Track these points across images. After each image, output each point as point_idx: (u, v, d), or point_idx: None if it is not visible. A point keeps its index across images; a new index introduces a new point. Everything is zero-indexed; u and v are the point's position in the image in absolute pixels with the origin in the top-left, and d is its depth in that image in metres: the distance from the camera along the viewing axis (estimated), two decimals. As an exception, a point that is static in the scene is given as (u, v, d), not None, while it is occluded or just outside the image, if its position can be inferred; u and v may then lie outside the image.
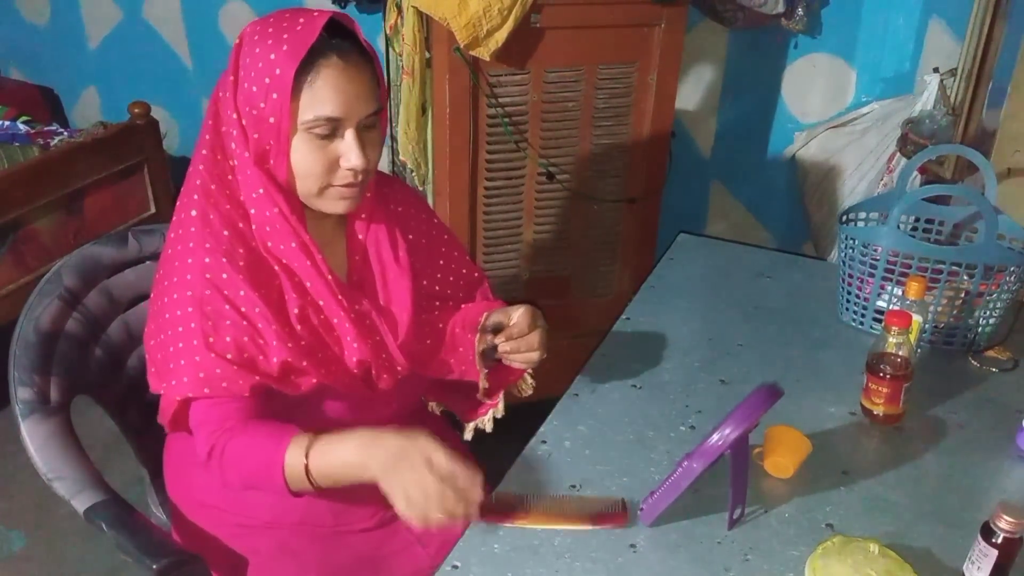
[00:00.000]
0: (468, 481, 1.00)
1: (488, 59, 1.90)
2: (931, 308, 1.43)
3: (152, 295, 1.16)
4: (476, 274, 1.39)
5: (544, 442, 1.26)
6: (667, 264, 1.75)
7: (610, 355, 1.46)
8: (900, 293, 1.39)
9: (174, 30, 3.20)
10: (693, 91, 2.65)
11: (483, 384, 1.27)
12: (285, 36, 1.06)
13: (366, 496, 1.10)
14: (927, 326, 1.43)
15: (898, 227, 1.45)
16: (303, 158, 1.09)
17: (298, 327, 1.13)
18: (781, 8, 2.30)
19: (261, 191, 1.11)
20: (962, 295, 1.45)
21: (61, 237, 2.50)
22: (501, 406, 1.32)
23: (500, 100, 2.01)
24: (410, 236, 1.28)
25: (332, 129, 1.08)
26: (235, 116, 1.10)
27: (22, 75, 3.61)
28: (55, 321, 1.28)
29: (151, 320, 1.16)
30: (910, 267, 1.43)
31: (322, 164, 1.10)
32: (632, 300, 1.63)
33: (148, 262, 1.42)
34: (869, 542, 1.01)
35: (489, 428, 1.33)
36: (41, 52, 3.52)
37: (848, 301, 1.54)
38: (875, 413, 1.29)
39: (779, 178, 2.69)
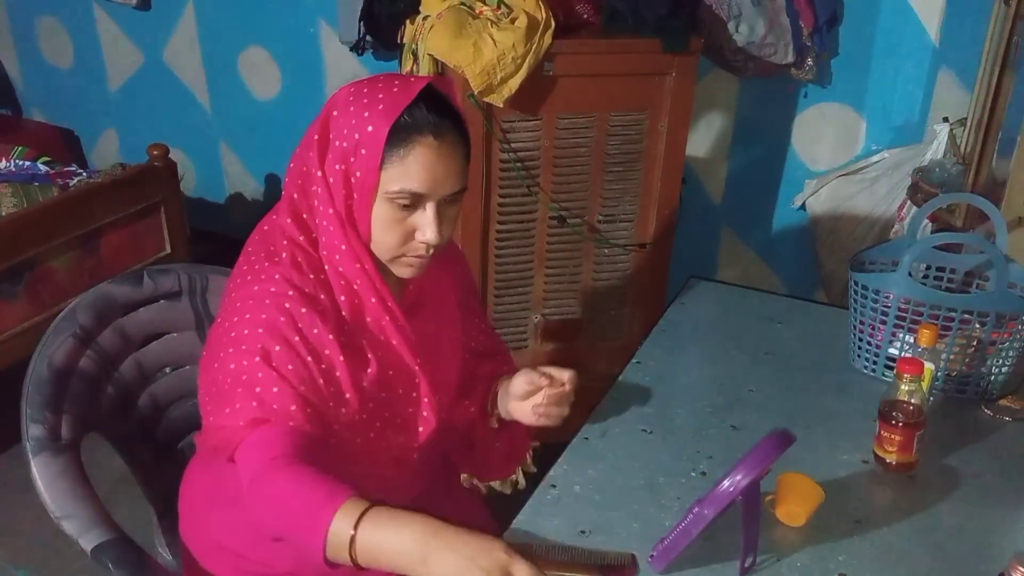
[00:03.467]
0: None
1: (502, 105, 1.93)
2: (943, 356, 1.42)
3: (221, 324, 1.12)
4: (497, 344, 1.41)
5: (554, 486, 1.25)
6: (678, 309, 1.75)
7: (621, 399, 1.46)
8: (912, 340, 1.39)
9: (194, 74, 3.26)
10: (704, 138, 2.67)
11: (493, 417, 1.29)
12: (380, 96, 1.07)
13: None
14: (940, 374, 1.42)
15: (909, 274, 1.46)
16: (381, 225, 1.10)
17: (364, 384, 1.12)
18: (791, 58, 2.32)
19: (344, 247, 1.11)
20: (974, 343, 1.44)
21: (77, 276, 2.53)
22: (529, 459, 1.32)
23: (513, 145, 2.04)
24: (457, 293, 1.30)
25: (414, 202, 1.08)
26: (320, 174, 1.11)
27: (43, 117, 3.67)
28: (69, 359, 1.29)
29: (216, 347, 1.11)
30: (921, 315, 1.43)
31: (399, 235, 1.10)
32: (643, 344, 1.63)
33: (162, 301, 1.44)
34: (883, 593, 1.00)
35: (522, 483, 1.30)
36: (63, 94, 3.59)
37: (860, 348, 1.54)
38: (888, 461, 1.28)
39: (790, 225, 2.70)
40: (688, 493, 1.22)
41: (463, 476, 1.46)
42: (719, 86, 2.58)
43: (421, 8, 2.02)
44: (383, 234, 1.10)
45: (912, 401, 1.25)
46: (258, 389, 1.04)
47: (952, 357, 1.45)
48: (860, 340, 1.53)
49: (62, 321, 1.31)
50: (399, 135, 1.05)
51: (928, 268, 1.62)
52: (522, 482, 1.27)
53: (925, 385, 1.30)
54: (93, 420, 1.32)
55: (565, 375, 1.21)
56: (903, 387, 1.25)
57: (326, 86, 3.02)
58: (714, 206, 2.79)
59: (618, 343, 2.29)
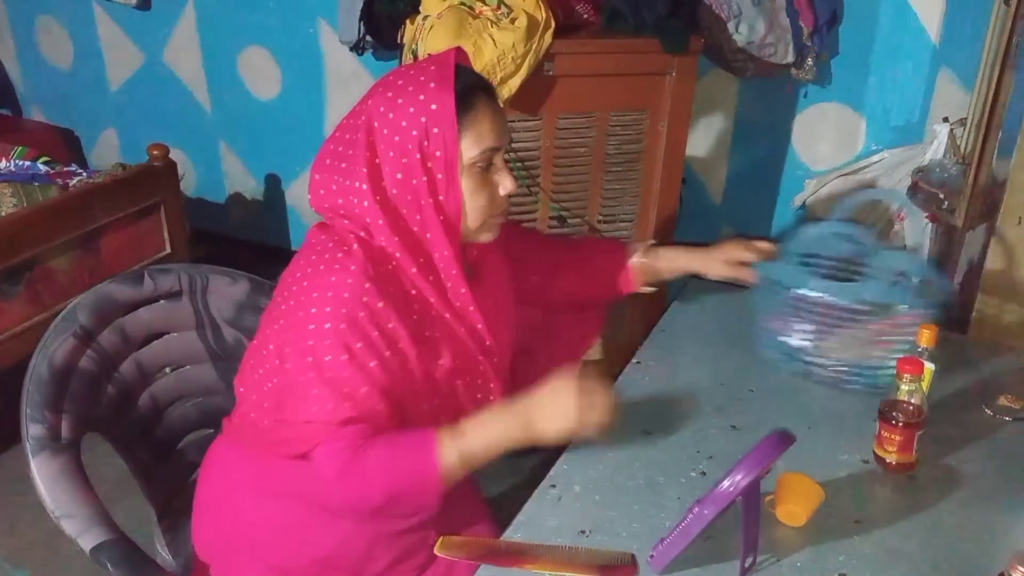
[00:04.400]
0: (600, 394, 1.12)
1: (502, 106, 1.93)
2: (832, 346, 1.44)
3: (294, 311, 1.12)
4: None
5: (554, 486, 1.25)
6: (678, 309, 1.75)
7: (621, 399, 1.45)
8: (807, 328, 1.44)
9: (194, 74, 3.26)
10: (704, 138, 2.67)
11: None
12: (422, 79, 1.11)
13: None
14: (845, 367, 1.44)
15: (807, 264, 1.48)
16: (470, 194, 1.13)
17: (437, 375, 1.15)
18: (791, 58, 2.32)
19: (428, 235, 1.13)
20: (862, 335, 1.43)
21: (77, 276, 2.53)
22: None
23: (513, 145, 2.04)
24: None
25: (491, 159, 1.15)
26: (375, 194, 1.11)
27: (43, 116, 3.68)
28: (69, 358, 1.29)
29: (291, 337, 1.11)
30: (807, 303, 1.43)
31: (487, 196, 1.15)
32: (642, 344, 1.63)
33: (162, 301, 1.44)
34: (883, 593, 1.00)
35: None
36: (62, 94, 3.59)
37: (760, 334, 1.55)
38: (888, 461, 1.28)
39: (789, 224, 2.70)
40: (688, 493, 1.22)
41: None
42: (719, 86, 2.58)
43: (421, 8, 2.02)
44: (476, 200, 1.14)
45: (912, 401, 1.25)
46: (346, 389, 1.07)
47: (838, 346, 1.44)
48: (762, 327, 1.54)
49: (62, 321, 1.31)
50: (462, 102, 1.10)
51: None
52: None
53: (925, 385, 1.30)
54: (93, 420, 1.32)
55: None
56: (903, 387, 1.25)
57: (326, 86, 3.03)
58: (714, 206, 2.80)
59: (618, 343, 2.29)
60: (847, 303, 1.41)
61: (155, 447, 1.47)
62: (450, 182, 1.11)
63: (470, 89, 1.12)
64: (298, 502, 1.19)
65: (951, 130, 2.24)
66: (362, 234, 1.13)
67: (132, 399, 1.41)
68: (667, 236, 2.24)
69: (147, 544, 1.30)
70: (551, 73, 1.98)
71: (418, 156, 1.09)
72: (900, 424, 1.25)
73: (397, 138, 1.10)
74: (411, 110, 1.09)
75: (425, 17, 1.98)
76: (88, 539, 1.16)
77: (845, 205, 1.59)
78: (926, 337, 1.33)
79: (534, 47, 1.90)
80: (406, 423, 1.13)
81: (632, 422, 1.40)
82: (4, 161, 2.73)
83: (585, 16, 2.12)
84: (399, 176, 1.11)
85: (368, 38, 2.50)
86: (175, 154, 2.80)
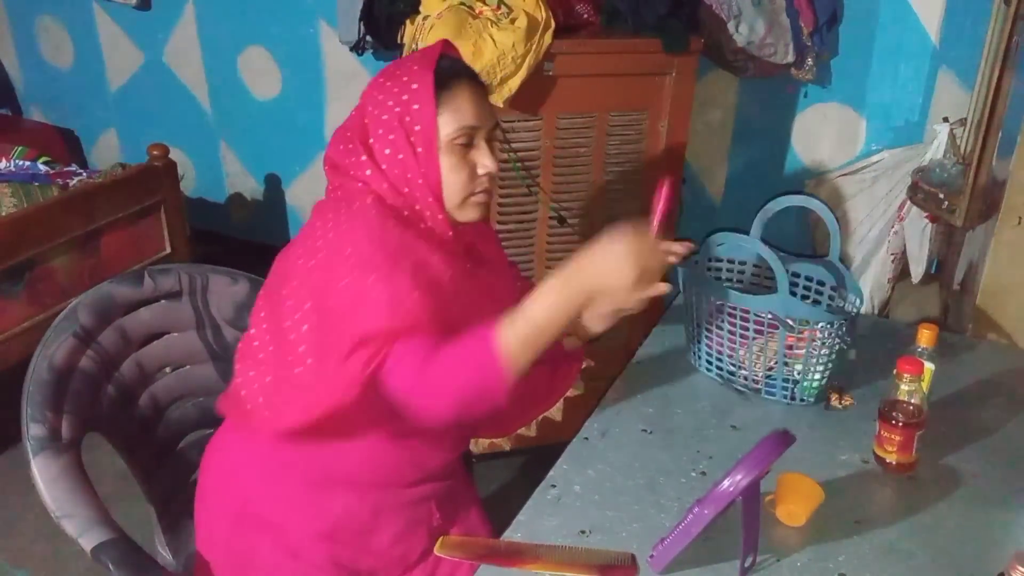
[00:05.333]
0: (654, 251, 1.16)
1: (502, 105, 1.93)
2: (747, 356, 1.45)
3: (327, 244, 1.15)
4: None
5: (554, 486, 1.25)
6: (678, 309, 1.75)
7: (620, 399, 1.46)
8: (724, 332, 1.44)
9: (194, 74, 3.26)
10: (704, 138, 2.67)
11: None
12: (407, 64, 1.18)
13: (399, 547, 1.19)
14: (760, 374, 1.45)
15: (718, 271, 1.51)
16: (448, 170, 1.17)
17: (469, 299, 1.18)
18: (791, 58, 2.32)
19: (418, 207, 1.18)
20: (775, 347, 1.43)
21: (77, 276, 2.53)
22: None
23: (513, 145, 2.04)
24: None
25: (469, 139, 1.18)
26: (370, 170, 1.17)
27: (43, 117, 3.67)
28: (69, 358, 1.29)
29: (333, 263, 1.12)
30: (725, 313, 1.44)
31: (465, 174, 1.18)
32: (642, 344, 1.63)
33: (162, 301, 1.44)
34: (883, 593, 1.00)
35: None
36: (63, 94, 3.59)
37: (691, 343, 1.56)
38: (888, 461, 1.28)
39: (789, 225, 2.70)
40: (688, 493, 1.22)
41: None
42: (719, 86, 2.58)
43: (421, 8, 2.02)
44: (453, 176, 1.17)
45: (912, 401, 1.25)
46: (397, 299, 1.08)
47: (755, 357, 1.45)
48: (690, 334, 1.55)
49: (62, 321, 1.31)
50: (441, 82, 1.15)
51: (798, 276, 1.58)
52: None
53: (925, 385, 1.30)
54: (93, 420, 1.32)
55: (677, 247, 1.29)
56: (903, 387, 1.25)
57: (326, 86, 3.02)
58: (714, 206, 2.79)
59: (618, 343, 2.29)
60: (760, 313, 1.41)
61: (155, 447, 1.47)
62: (429, 156, 1.16)
63: (452, 72, 1.18)
64: (304, 473, 1.23)
65: (951, 130, 2.24)
66: (370, 199, 1.17)
67: (132, 399, 1.41)
68: (667, 236, 2.23)
69: (147, 544, 1.30)
70: (551, 73, 1.98)
71: (402, 132, 1.15)
72: (900, 424, 1.25)
73: (384, 116, 1.16)
74: (395, 90, 1.16)
75: (425, 17, 1.98)
76: (89, 539, 1.16)
77: (765, 210, 1.61)
78: (926, 337, 1.33)
79: (534, 47, 1.90)
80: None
81: (632, 422, 1.40)
82: (4, 161, 2.73)
83: (585, 16, 2.12)
84: (387, 152, 1.17)
85: (368, 38, 2.49)
86: (175, 154, 2.80)
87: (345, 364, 1.08)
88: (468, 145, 1.19)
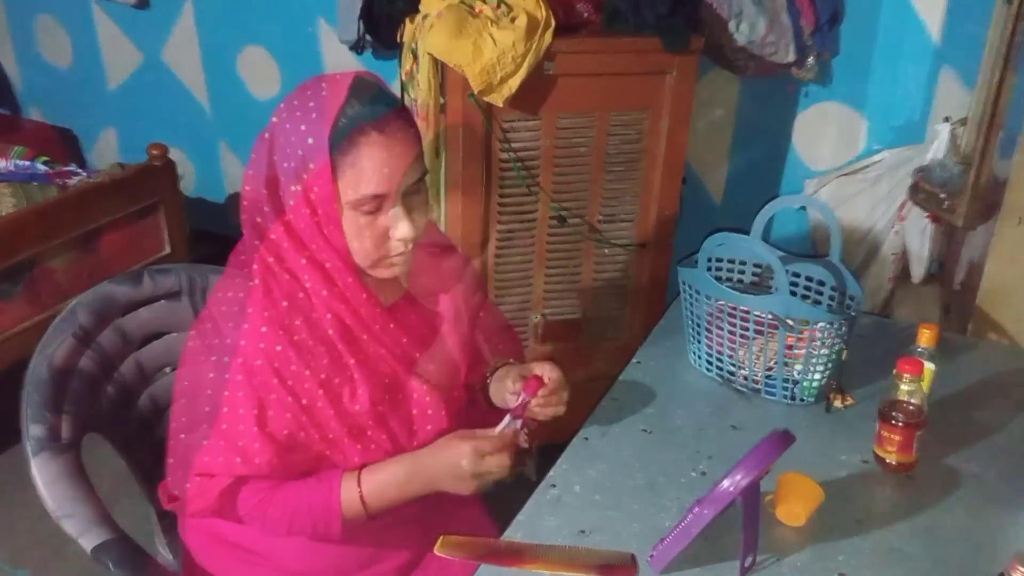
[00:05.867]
0: (498, 452, 1.13)
1: (502, 105, 1.93)
2: (747, 356, 1.45)
3: (192, 367, 1.16)
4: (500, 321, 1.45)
5: (554, 486, 1.25)
6: (678, 308, 1.75)
7: (621, 399, 1.46)
8: (725, 333, 1.44)
9: (193, 73, 3.26)
10: (704, 138, 2.67)
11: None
12: (311, 104, 1.04)
13: (393, 541, 1.19)
14: (760, 374, 1.44)
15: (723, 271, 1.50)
16: (353, 235, 1.07)
17: (356, 407, 1.13)
18: (792, 57, 2.32)
19: (328, 265, 1.10)
20: (775, 347, 1.42)
21: (76, 276, 2.52)
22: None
23: (513, 145, 2.04)
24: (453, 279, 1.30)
25: (378, 205, 1.05)
26: (266, 193, 1.08)
27: (42, 116, 3.67)
28: (69, 358, 1.29)
29: (195, 395, 1.14)
30: (726, 313, 1.43)
31: (373, 239, 1.07)
32: (643, 344, 1.63)
33: (162, 301, 1.44)
34: (883, 593, 1.00)
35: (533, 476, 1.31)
36: (61, 94, 3.58)
37: (691, 343, 1.56)
38: (888, 461, 1.28)
39: (790, 225, 2.70)
40: (688, 493, 1.22)
41: None
42: (719, 86, 2.57)
43: (421, 7, 2.01)
44: (358, 242, 1.07)
45: (912, 401, 1.25)
46: (241, 443, 1.08)
47: (755, 357, 1.45)
48: (689, 334, 1.55)
49: (62, 321, 1.31)
50: (341, 139, 1.01)
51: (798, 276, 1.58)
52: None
53: (926, 385, 1.30)
54: (93, 420, 1.32)
55: (551, 375, 1.22)
56: (903, 387, 1.25)
57: (326, 85, 3.02)
58: (714, 206, 2.79)
59: (618, 343, 2.29)
60: (759, 314, 1.41)
61: (155, 447, 1.46)
62: (329, 221, 1.05)
63: (355, 124, 1.02)
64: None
65: (952, 130, 2.24)
66: (271, 260, 1.10)
67: (132, 399, 1.41)
68: (667, 236, 2.24)
69: (147, 544, 1.30)
70: (551, 72, 1.98)
71: (301, 187, 1.04)
72: (900, 424, 1.25)
73: (286, 163, 1.05)
74: (292, 138, 1.03)
75: (425, 16, 1.98)
76: (89, 539, 1.17)
77: (765, 210, 1.60)
78: (926, 337, 1.33)
79: (534, 46, 1.90)
80: (337, 450, 1.14)
81: (632, 422, 1.40)
82: (3, 161, 2.73)
83: (585, 15, 2.12)
84: (291, 203, 1.06)
85: (367, 37, 2.49)
86: (174, 154, 2.80)
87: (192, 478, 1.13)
88: (377, 210, 1.05)
